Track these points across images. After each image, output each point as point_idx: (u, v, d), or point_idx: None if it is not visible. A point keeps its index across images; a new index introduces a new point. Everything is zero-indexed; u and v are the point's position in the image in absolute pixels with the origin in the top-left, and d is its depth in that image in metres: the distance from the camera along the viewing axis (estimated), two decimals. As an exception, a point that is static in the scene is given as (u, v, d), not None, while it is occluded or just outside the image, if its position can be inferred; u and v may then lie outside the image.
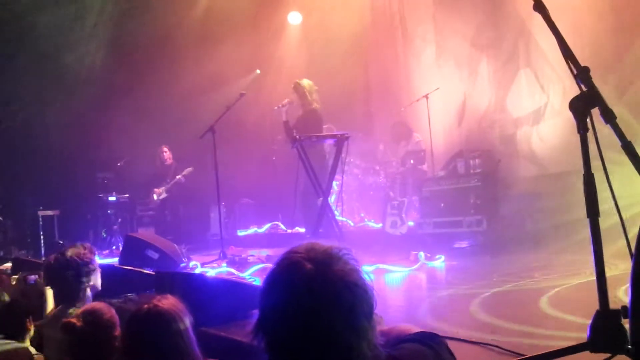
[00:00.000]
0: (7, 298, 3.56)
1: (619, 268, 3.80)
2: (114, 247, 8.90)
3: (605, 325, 1.99)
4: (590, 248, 2.04)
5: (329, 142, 6.78)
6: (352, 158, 8.54)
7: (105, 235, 9.67)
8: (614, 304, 2.00)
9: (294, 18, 10.66)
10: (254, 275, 5.26)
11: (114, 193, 9.86)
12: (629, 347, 1.90)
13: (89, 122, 9.78)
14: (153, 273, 4.67)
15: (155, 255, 5.65)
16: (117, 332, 2.53)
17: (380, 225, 7.91)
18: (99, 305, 2.66)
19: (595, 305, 2.01)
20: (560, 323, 3.10)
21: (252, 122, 10.02)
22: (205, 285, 3.75)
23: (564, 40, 2.14)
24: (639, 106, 6.21)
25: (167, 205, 9.68)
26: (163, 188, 9.60)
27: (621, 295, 3.07)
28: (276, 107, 6.96)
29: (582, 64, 2.10)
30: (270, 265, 1.36)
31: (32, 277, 4.30)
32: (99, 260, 3.33)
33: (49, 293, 3.62)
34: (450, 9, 8.94)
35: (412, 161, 8.01)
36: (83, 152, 9.87)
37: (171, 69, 10.26)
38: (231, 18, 10.44)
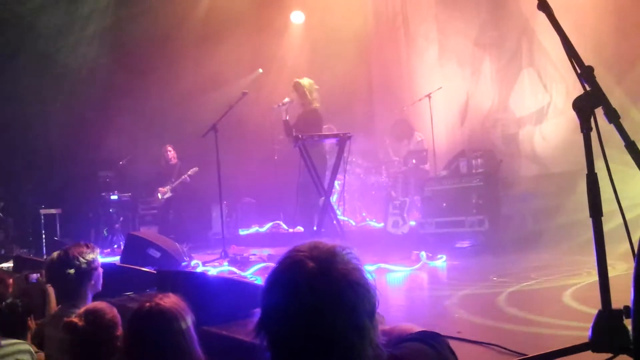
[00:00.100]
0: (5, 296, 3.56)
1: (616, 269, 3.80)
2: (115, 246, 8.92)
3: (608, 325, 1.98)
4: (593, 248, 2.04)
5: (330, 142, 6.77)
6: (354, 157, 8.54)
7: (106, 234, 9.68)
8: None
9: (297, 17, 10.66)
10: (255, 274, 5.26)
11: (115, 192, 9.87)
12: (631, 347, 1.90)
13: (91, 121, 9.78)
14: (155, 272, 4.67)
15: (157, 254, 5.65)
16: (119, 331, 2.52)
17: (382, 224, 7.90)
18: (101, 305, 2.65)
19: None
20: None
21: (254, 121, 10.02)
22: (207, 284, 3.75)
23: (568, 39, 2.13)
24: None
25: (172, 205, 9.67)
26: (168, 187, 9.60)
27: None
28: (276, 106, 6.96)
29: (585, 64, 2.10)
30: (271, 265, 1.36)
31: (34, 276, 4.30)
32: (100, 259, 3.32)
33: (51, 291, 3.63)
34: (453, 8, 8.93)
35: (414, 161, 8.01)
36: (85, 150, 9.88)
37: (173, 68, 10.26)
38: (233, 17, 10.44)
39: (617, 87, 6.28)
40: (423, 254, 5.73)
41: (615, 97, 6.06)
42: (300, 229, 7.45)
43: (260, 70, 10.51)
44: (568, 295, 3.76)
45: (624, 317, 1.96)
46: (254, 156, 10.06)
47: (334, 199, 7.53)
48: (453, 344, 1.56)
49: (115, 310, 2.61)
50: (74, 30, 9.95)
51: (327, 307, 1.21)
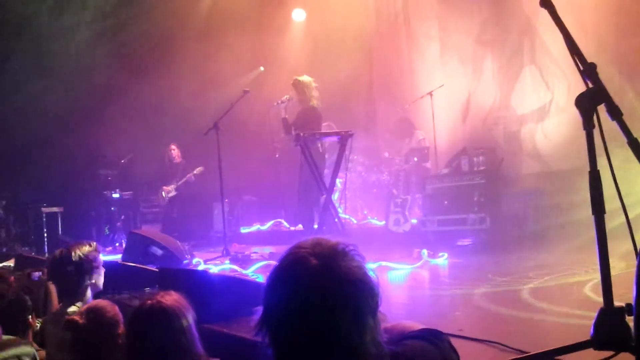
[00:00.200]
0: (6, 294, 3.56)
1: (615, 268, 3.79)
2: (117, 244, 8.92)
3: (610, 322, 1.98)
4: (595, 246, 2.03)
5: (332, 140, 6.77)
6: (355, 155, 8.54)
7: (108, 232, 9.69)
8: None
9: (298, 15, 10.65)
10: (256, 272, 5.26)
11: (117, 190, 9.87)
12: (633, 344, 1.89)
13: (93, 119, 9.78)
14: (156, 270, 4.67)
15: (159, 252, 5.65)
16: (120, 329, 2.52)
17: (383, 222, 7.90)
18: (103, 303, 2.66)
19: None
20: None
21: (255, 120, 10.02)
22: (209, 282, 3.75)
23: (571, 36, 2.13)
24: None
25: (176, 203, 9.67)
26: (172, 186, 9.60)
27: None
28: (275, 104, 6.95)
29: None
30: (273, 263, 1.36)
31: (36, 274, 4.31)
32: (102, 257, 3.32)
33: (53, 289, 3.63)
34: (454, 6, 8.92)
35: (415, 159, 8.00)
36: (87, 149, 9.89)
37: (175, 66, 10.26)
38: (235, 15, 10.44)
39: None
40: (424, 251, 5.73)
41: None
42: (301, 226, 7.45)
43: (262, 69, 10.52)
44: (574, 291, 3.76)
45: (626, 315, 1.95)
46: (256, 154, 10.06)
47: (335, 197, 7.53)
48: (454, 341, 1.56)
49: (116, 308, 2.61)
50: (74, 29, 9.95)
51: (330, 304, 1.21)
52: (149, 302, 2.24)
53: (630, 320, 1.91)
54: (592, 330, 2.00)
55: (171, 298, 2.25)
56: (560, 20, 2.16)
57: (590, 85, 2.07)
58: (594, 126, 2.06)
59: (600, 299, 2.03)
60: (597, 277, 2.10)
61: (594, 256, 2.05)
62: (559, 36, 2.14)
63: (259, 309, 1.30)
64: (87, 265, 3.12)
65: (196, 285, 3.58)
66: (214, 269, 5.58)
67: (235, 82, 10.08)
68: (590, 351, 2.01)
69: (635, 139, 1.94)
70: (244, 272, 5.33)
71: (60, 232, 9.35)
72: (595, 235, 2.04)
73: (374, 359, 1.24)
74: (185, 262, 5.76)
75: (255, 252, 6.40)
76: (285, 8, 10.67)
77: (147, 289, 4.42)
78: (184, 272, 4.63)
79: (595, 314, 2.01)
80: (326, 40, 9.99)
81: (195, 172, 9.51)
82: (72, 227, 9.51)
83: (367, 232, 8.00)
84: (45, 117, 9.55)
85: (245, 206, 10.10)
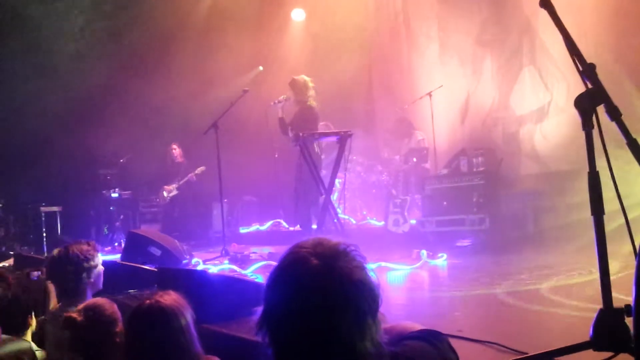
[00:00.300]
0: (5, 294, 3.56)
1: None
2: (116, 244, 8.92)
3: (609, 323, 1.98)
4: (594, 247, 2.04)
5: (330, 140, 6.77)
6: (354, 156, 8.54)
7: (107, 232, 9.68)
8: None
9: (298, 15, 10.65)
10: (255, 272, 5.25)
11: (116, 189, 9.86)
12: (632, 345, 1.89)
13: (92, 118, 9.78)
14: (155, 269, 4.66)
15: (158, 252, 5.65)
16: (119, 328, 2.52)
17: (382, 223, 7.90)
18: (101, 300, 2.65)
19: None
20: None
21: (254, 119, 10.02)
22: (208, 282, 3.75)
23: (570, 36, 2.13)
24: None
25: (177, 203, 9.67)
26: (174, 186, 9.60)
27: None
28: (272, 103, 6.95)
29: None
30: (272, 263, 1.36)
31: (35, 273, 4.31)
32: (101, 257, 3.32)
33: (52, 289, 3.63)
34: (454, 6, 8.92)
35: (414, 159, 8.00)
36: (86, 148, 9.88)
37: (174, 66, 10.26)
38: (234, 15, 10.44)
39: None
40: (424, 252, 5.73)
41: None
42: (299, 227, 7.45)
43: (261, 68, 10.51)
44: (565, 294, 3.76)
45: (625, 316, 1.95)
46: (255, 154, 10.06)
47: (334, 197, 7.53)
48: (454, 342, 1.56)
49: (115, 306, 2.61)
50: (74, 29, 9.95)
51: (330, 304, 1.21)
52: (148, 301, 2.24)
53: (629, 321, 1.91)
54: (591, 331, 2.00)
55: (170, 298, 2.25)
56: (560, 21, 2.17)
57: (590, 85, 2.07)
58: (593, 127, 2.06)
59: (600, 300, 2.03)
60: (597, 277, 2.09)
61: (594, 257, 2.05)
62: (559, 37, 2.15)
63: (259, 309, 1.30)
64: (85, 265, 3.11)
65: (195, 286, 3.58)
66: (213, 269, 5.57)
67: (235, 81, 10.08)
68: (589, 352, 2.01)
69: (635, 140, 1.95)
70: (243, 272, 5.32)
71: (59, 231, 9.34)
72: (595, 236, 2.04)
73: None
74: (184, 262, 5.75)
75: (254, 252, 6.40)
76: (284, 8, 10.67)
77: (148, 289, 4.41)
78: (183, 272, 4.62)
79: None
80: (326, 40, 9.99)
81: (196, 171, 9.51)
82: (71, 227, 9.51)
83: (366, 232, 7.99)
84: (45, 116, 9.55)
85: (244, 206, 10.10)
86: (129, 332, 2.28)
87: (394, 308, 3.67)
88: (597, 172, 2.06)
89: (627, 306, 1.92)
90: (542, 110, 7.82)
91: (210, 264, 5.90)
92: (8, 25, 9.38)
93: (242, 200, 10.12)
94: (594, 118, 2.06)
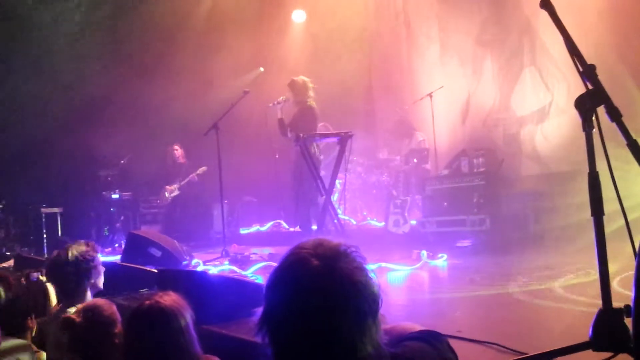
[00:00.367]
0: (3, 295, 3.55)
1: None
2: (116, 245, 8.92)
3: (608, 323, 1.98)
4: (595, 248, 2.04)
5: (330, 140, 6.77)
6: (355, 156, 8.54)
7: (107, 233, 9.67)
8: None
9: (298, 16, 10.66)
10: (256, 273, 5.25)
11: (117, 190, 9.86)
12: (632, 345, 1.89)
13: (92, 119, 9.78)
14: (155, 271, 4.66)
15: (158, 253, 5.64)
16: (118, 329, 2.52)
17: (382, 223, 7.90)
18: (100, 301, 2.65)
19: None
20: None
21: (255, 120, 10.03)
22: (208, 283, 3.74)
23: (570, 37, 2.13)
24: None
25: (178, 203, 9.67)
26: (175, 186, 9.60)
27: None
28: (271, 104, 6.95)
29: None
30: (272, 264, 1.36)
31: (35, 275, 4.30)
32: (101, 258, 3.32)
33: (52, 290, 3.63)
34: (454, 6, 8.93)
35: (415, 160, 8.00)
36: (86, 149, 9.88)
37: (174, 66, 10.26)
38: (235, 16, 10.45)
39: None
40: (424, 253, 5.73)
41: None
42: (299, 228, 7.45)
43: (262, 69, 10.52)
44: (565, 294, 3.75)
45: (624, 316, 1.95)
46: (255, 155, 10.07)
47: (335, 197, 7.53)
48: (453, 343, 1.56)
49: (114, 307, 2.61)
50: (73, 28, 9.95)
51: (330, 305, 1.21)
52: (147, 302, 2.24)
53: (628, 321, 1.91)
54: (590, 332, 2.00)
55: (169, 298, 2.24)
56: (560, 22, 2.17)
57: (590, 86, 2.07)
58: (593, 128, 2.06)
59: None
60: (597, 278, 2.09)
61: (595, 258, 2.05)
62: (559, 37, 2.15)
63: (259, 310, 1.30)
64: (85, 266, 3.11)
65: (195, 286, 3.58)
66: (213, 270, 5.57)
67: (235, 82, 10.09)
68: (589, 352, 2.01)
69: (635, 141, 1.95)
70: (243, 273, 5.32)
71: (59, 232, 9.34)
72: (594, 236, 2.04)
73: (374, 361, 1.25)
74: (184, 263, 5.75)
75: (254, 253, 6.39)
76: (285, 9, 10.67)
77: (146, 290, 4.41)
78: (184, 273, 4.62)
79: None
80: (326, 41, 10.00)
81: (198, 171, 9.50)
82: (71, 228, 9.50)
83: (367, 233, 7.99)
84: (45, 117, 9.55)
85: (244, 207, 10.09)
86: (128, 333, 2.28)
87: (394, 308, 3.67)
88: (597, 173, 2.06)
89: (627, 306, 1.92)
90: (542, 110, 7.82)
91: (211, 265, 5.90)
92: (8, 25, 9.38)
93: (243, 200, 10.12)
94: (594, 119, 2.06)
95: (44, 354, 3.05)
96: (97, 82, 9.91)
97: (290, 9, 10.64)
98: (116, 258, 6.42)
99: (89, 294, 3.14)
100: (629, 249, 1.99)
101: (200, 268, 5.74)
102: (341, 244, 1.31)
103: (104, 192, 9.86)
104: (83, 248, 3.17)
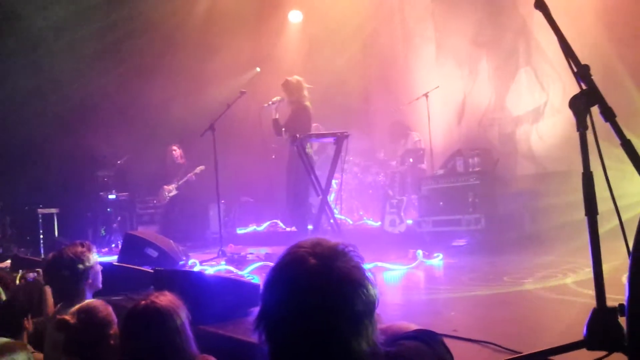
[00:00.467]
0: (4, 296, 3.56)
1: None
2: (113, 245, 8.90)
3: (602, 323, 1.99)
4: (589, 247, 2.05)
5: (327, 141, 6.77)
6: (351, 156, 8.55)
7: (104, 234, 9.66)
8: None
9: (295, 16, 10.66)
10: (252, 273, 5.25)
11: (113, 191, 9.85)
12: (626, 344, 1.90)
13: (90, 120, 9.77)
14: (152, 271, 4.66)
15: (155, 254, 5.63)
16: (113, 330, 2.52)
17: (379, 223, 7.91)
18: (95, 302, 2.65)
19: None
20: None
21: (251, 121, 10.01)
22: (204, 283, 3.74)
23: (564, 37, 2.14)
24: None
25: (177, 203, 9.66)
26: (173, 185, 9.59)
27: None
28: (266, 105, 6.95)
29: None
30: (269, 264, 1.37)
31: (31, 275, 4.31)
32: (98, 258, 3.32)
33: (48, 291, 3.62)
34: (450, 7, 8.95)
35: (411, 160, 8.01)
36: (83, 150, 9.86)
37: (171, 67, 10.26)
38: (232, 16, 10.44)
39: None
40: (420, 252, 5.74)
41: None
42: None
43: (258, 69, 10.51)
44: (560, 293, 3.77)
45: (618, 315, 1.96)
46: (252, 155, 10.06)
47: (331, 198, 7.53)
48: (449, 342, 1.56)
49: (109, 308, 2.61)
50: (72, 28, 9.93)
51: (327, 304, 1.21)
52: (143, 302, 2.24)
53: (622, 320, 1.92)
54: (585, 331, 2.01)
55: (165, 298, 2.25)
56: (555, 22, 2.18)
57: (584, 86, 2.08)
58: (587, 127, 2.07)
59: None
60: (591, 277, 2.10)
61: (589, 257, 2.06)
62: (554, 38, 2.15)
63: (255, 310, 1.30)
64: (81, 267, 3.11)
65: (192, 287, 3.57)
66: (209, 270, 5.57)
67: (232, 82, 10.08)
68: (583, 351, 2.02)
69: (629, 140, 1.96)
70: (240, 273, 5.32)
71: (56, 233, 9.32)
72: (588, 236, 2.05)
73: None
74: (180, 263, 5.75)
75: (251, 253, 6.39)
76: (282, 9, 10.68)
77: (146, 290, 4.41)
78: (180, 273, 4.61)
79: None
80: (323, 41, 10.01)
81: (196, 171, 9.50)
82: (68, 229, 9.49)
83: (363, 232, 8.00)
84: (42, 118, 9.53)
85: (241, 207, 10.09)
86: (124, 333, 2.28)
87: (390, 308, 3.68)
88: (591, 173, 2.07)
89: (621, 305, 1.93)
90: (538, 110, 7.85)
91: (207, 265, 5.90)
92: (8, 25, 9.36)
93: (239, 201, 10.12)
94: (588, 119, 2.07)
95: (40, 355, 3.05)
96: (96, 82, 9.90)
97: (287, 9, 10.65)
98: (113, 258, 6.41)
99: (87, 294, 3.14)
100: (620, 250, 2.00)
101: (196, 268, 5.74)
102: (339, 243, 1.31)
103: (100, 193, 9.85)
104: (78, 249, 3.17)
